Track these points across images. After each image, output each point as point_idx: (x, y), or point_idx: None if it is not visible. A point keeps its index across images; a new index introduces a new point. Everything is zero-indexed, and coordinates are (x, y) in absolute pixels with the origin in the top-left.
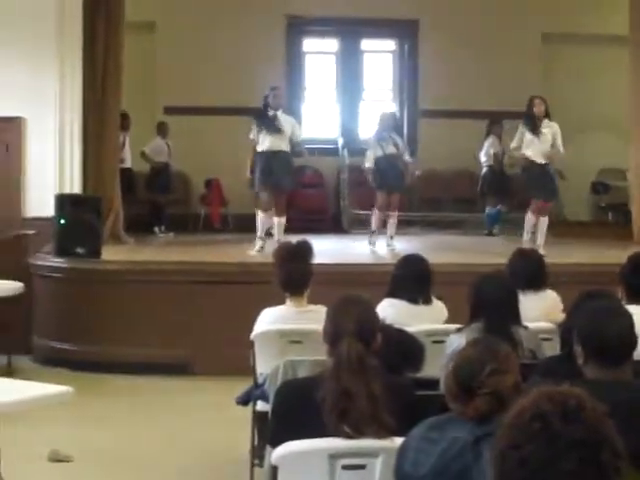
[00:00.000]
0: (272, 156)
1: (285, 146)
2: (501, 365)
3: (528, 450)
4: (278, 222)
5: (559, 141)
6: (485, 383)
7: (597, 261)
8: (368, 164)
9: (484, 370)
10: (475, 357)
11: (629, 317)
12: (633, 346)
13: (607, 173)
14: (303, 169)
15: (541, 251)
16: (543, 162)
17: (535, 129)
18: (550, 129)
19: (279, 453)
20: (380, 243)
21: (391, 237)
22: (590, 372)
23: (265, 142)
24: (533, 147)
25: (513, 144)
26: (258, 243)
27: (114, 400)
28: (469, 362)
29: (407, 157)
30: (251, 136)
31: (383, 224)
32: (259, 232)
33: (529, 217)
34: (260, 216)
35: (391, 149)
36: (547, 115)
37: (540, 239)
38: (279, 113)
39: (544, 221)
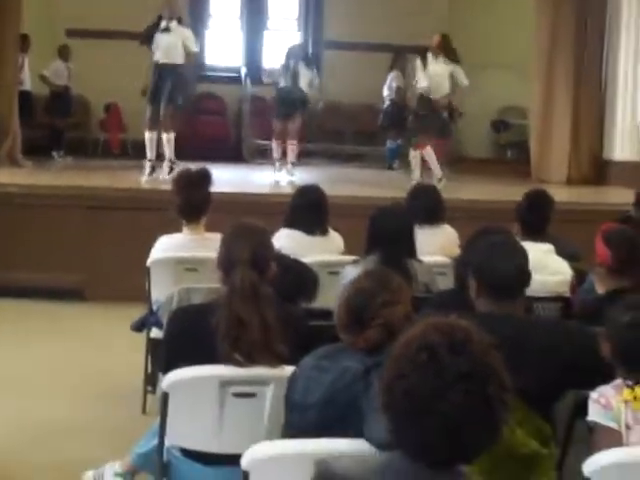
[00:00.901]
0: (162, 69)
1: (176, 58)
2: (393, 296)
3: (414, 381)
4: (167, 138)
5: (460, 75)
6: (377, 314)
7: (494, 198)
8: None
9: (376, 301)
10: (367, 288)
11: (523, 253)
12: (525, 282)
13: (508, 111)
14: (204, 96)
15: (439, 182)
16: (436, 97)
17: (426, 63)
18: (447, 66)
19: (169, 380)
20: (281, 173)
21: (292, 164)
22: (482, 306)
23: (156, 53)
24: (428, 81)
25: (416, 79)
26: (147, 166)
27: (4, 324)
28: (361, 293)
29: (314, 90)
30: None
31: (284, 154)
32: (148, 154)
33: (413, 154)
34: (146, 136)
35: (288, 81)
36: (452, 53)
37: (435, 169)
38: (173, 24)
39: (428, 152)
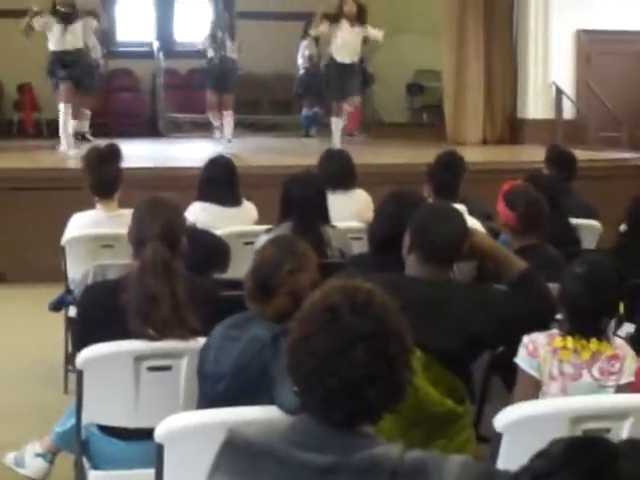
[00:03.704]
0: (64, 56)
1: (78, 43)
2: (298, 264)
3: (318, 341)
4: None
5: (373, 31)
6: (282, 282)
7: (409, 161)
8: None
9: (281, 270)
10: (273, 257)
11: (462, 222)
12: (456, 250)
13: (422, 74)
14: (117, 72)
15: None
16: (346, 62)
17: (338, 23)
18: (360, 32)
19: (83, 357)
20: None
21: (229, 140)
22: (413, 267)
23: (53, 40)
24: (336, 45)
25: (313, 32)
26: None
27: None
28: (267, 262)
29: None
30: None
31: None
32: (61, 129)
33: (335, 120)
34: (61, 108)
35: (222, 52)
36: (362, 21)
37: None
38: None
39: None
